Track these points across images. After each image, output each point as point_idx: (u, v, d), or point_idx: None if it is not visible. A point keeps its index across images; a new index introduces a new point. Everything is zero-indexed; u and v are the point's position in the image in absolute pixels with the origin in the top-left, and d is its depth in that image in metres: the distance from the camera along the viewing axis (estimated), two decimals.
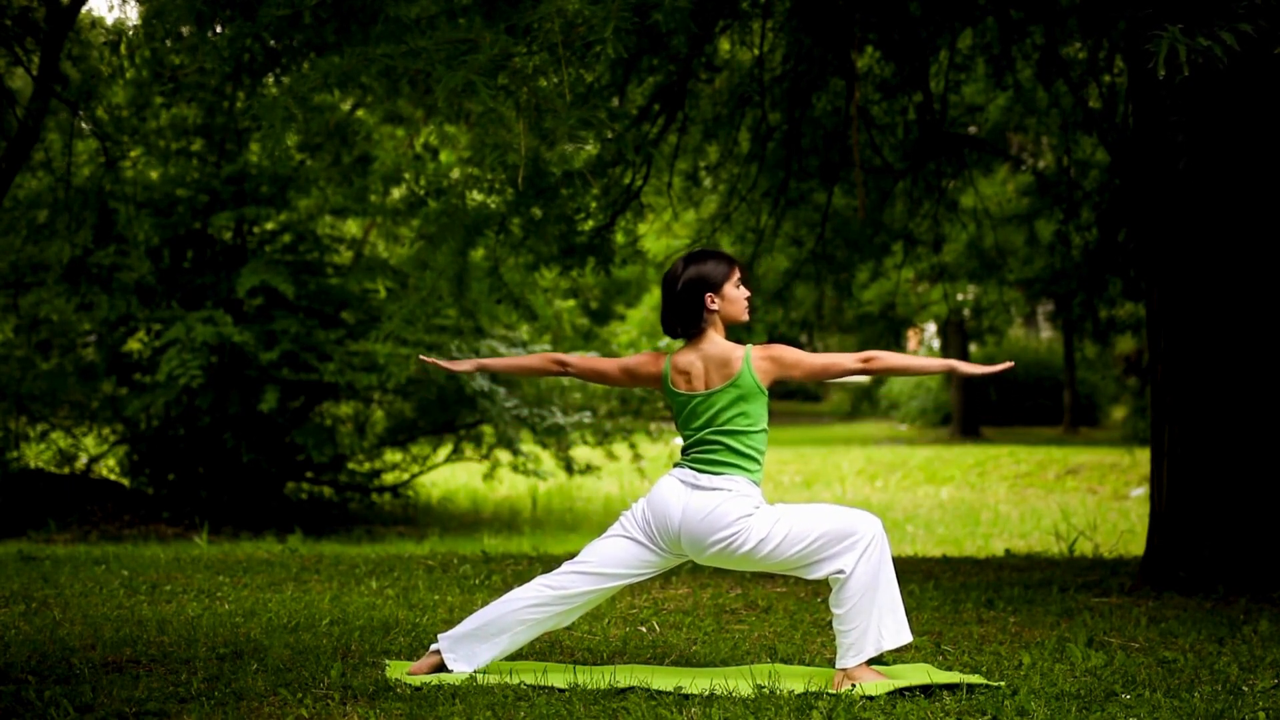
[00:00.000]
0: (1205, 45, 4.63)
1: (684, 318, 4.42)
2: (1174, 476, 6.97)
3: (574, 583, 4.44)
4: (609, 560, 4.44)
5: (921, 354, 34.06)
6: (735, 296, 4.43)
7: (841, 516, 4.31)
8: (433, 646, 4.48)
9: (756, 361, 4.36)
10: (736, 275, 4.45)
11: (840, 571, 4.27)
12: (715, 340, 4.42)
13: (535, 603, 4.43)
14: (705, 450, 4.37)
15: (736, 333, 4.59)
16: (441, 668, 4.43)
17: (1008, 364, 4.54)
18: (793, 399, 38.82)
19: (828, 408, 37.78)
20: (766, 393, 4.37)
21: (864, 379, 36.40)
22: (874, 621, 4.27)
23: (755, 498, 4.35)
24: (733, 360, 4.36)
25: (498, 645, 4.43)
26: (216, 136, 13.80)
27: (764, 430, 4.39)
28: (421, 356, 4.84)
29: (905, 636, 4.31)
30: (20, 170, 9.83)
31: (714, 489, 4.33)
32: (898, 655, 4.93)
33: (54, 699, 3.92)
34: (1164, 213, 7.00)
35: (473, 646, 4.43)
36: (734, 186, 10.46)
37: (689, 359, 4.42)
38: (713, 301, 4.40)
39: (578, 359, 4.61)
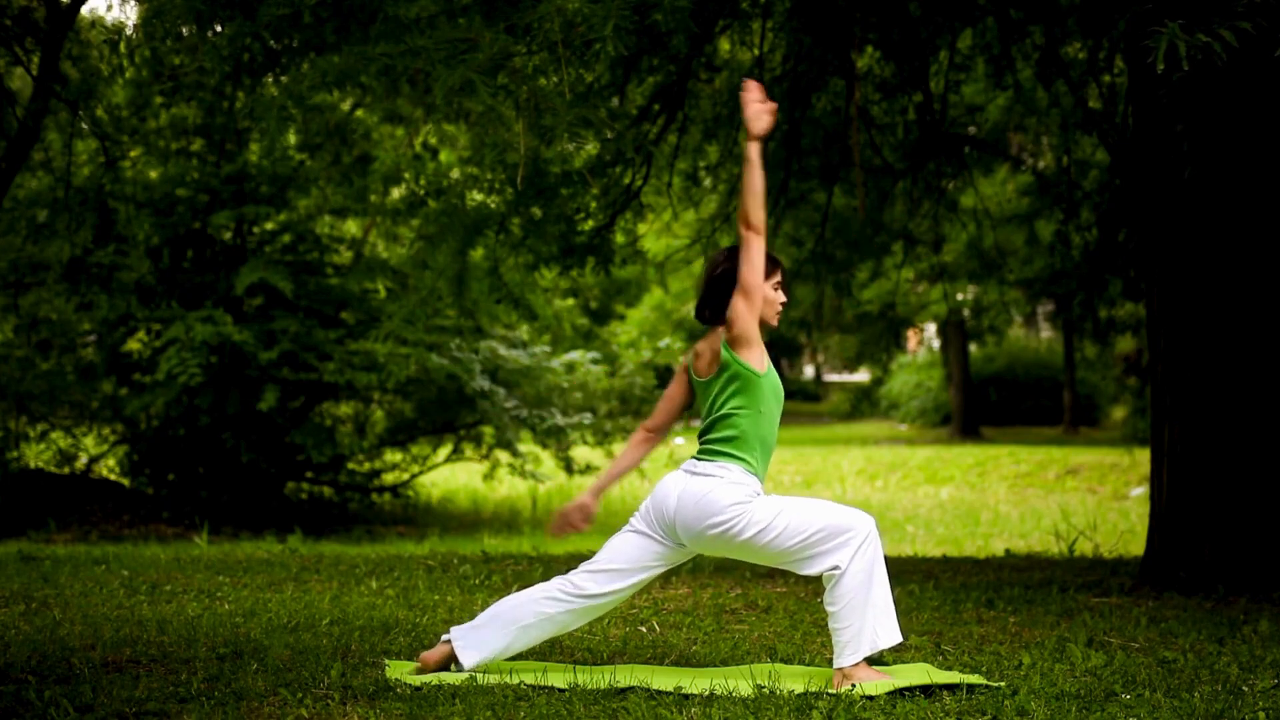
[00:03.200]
0: (1204, 42, 4.63)
1: (715, 304, 4.44)
2: (1174, 476, 6.96)
3: (590, 581, 4.44)
4: (619, 556, 4.45)
5: (921, 353, 34.08)
6: (770, 297, 4.44)
7: (839, 513, 4.33)
8: (444, 636, 4.49)
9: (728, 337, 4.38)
10: (777, 278, 4.46)
11: (835, 568, 4.27)
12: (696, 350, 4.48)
13: (551, 596, 4.44)
14: (706, 437, 4.42)
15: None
16: (452, 658, 4.43)
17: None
18: (793, 399, 38.82)
19: (828, 408, 37.80)
20: (762, 375, 4.34)
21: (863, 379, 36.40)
22: (869, 620, 4.27)
23: (750, 486, 4.33)
24: (718, 345, 4.39)
25: (508, 635, 4.42)
26: (216, 136, 13.81)
27: (760, 415, 4.34)
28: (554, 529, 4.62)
29: (896, 637, 4.31)
30: (20, 170, 9.83)
31: (707, 475, 4.34)
32: (898, 655, 4.93)
33: (54, 699, 3.91)
34: (1164, 213, 6.99)
35: (482, 634, 4.44)
36: (734, 186, 10.45)
37: (701, 345, 4.48)
38: (740, 301, 4.39)
39: (658, 419, 4.59)
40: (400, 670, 4.43)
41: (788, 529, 4.29)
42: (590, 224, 8.92)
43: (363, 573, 7.23)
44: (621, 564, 4.44)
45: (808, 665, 4.76)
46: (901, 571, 7.84)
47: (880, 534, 4.38)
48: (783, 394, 4.45)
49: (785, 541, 4.29)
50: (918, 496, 19.76)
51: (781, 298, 4.47)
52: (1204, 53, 4.65)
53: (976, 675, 4.48)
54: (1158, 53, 4.60)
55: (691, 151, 10.31)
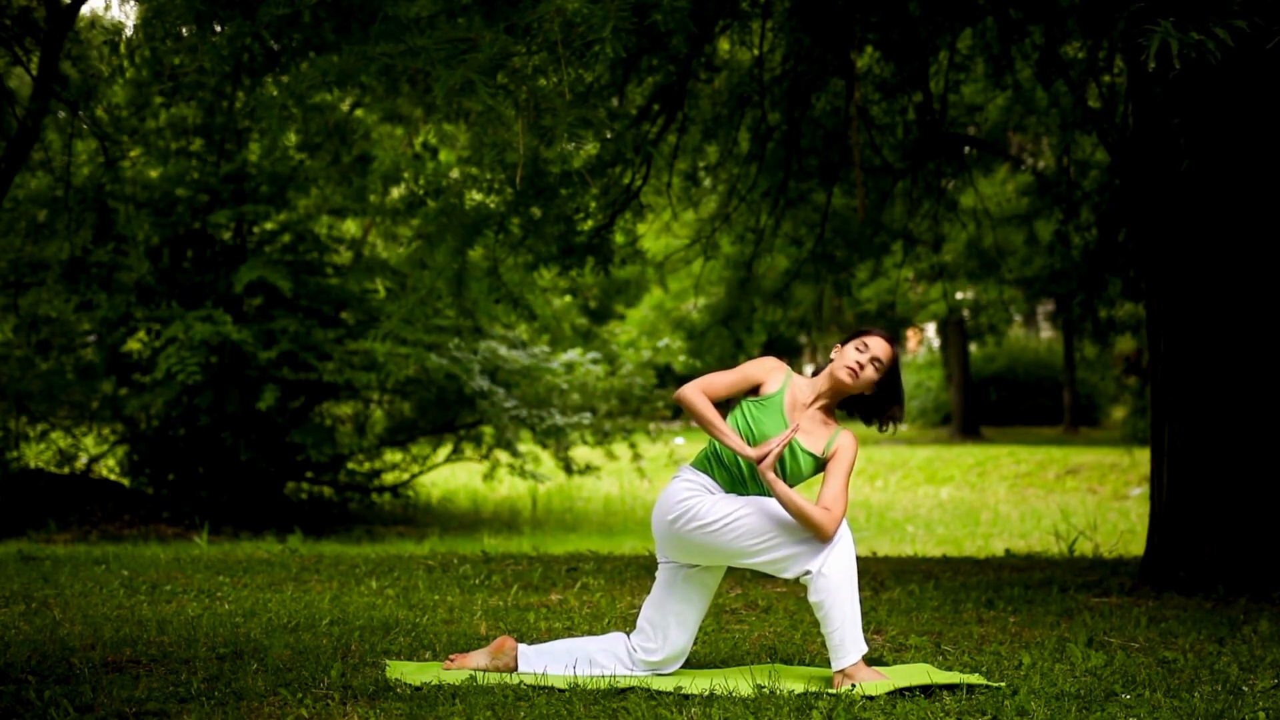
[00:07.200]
0: (1198, 40, 4.62)
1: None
2: (1174, 476, 6.96)
3: (651, 641, 4.51)
4: (655, 596, 4.53)
5: (921, 353, 34.09)
6: (847, 354, 4.52)
7: None
8: (509, 644, 4.54)
9: None
10: (862, 342, 4.52)
11: (808, 572, 4.29)
12: (796, 379, 4.56)
13: (616, 654, 4.53)
14: None
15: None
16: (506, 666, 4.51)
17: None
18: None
19: None
20: (743, 403, 4.51)
21: None
22: (850, 622, 4.27)
23: (696, 482, 4.44)
24: None
25: (567, 666, 4.52)
26: (216, 136, 13.80)
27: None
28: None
29: (862, 646, 4.32)
30: (20, 170, 9.82)
31: (672, 479, 4.53)
32: (897, 655, 4.93)
33: (54, 699, 3.91)
34: (1164, 213, 6.99)
35: (544, 659, 4.52)
36: (734, 186, 10.46)
37: None
38: (834, 351, 4.58)
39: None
40: (400, 670, 4.44)
41: (748, 528, 4.34)
42: (590, 224, 8.92)
43: (363, 573, 7.22)
44: (660, 603, 4.51)
45: (808, 665, 4.76)
46: (902, 571, 7.84)
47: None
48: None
49: (746, 540, 4.33)
50: (918, 496, 19.76)
51: (857, 358, 4.49)
52: (1198, 51, 4.64)
53: (976, 675, 4.48)
54: (1150, 50, 4.59)
55: (691, 151, 10.31)
